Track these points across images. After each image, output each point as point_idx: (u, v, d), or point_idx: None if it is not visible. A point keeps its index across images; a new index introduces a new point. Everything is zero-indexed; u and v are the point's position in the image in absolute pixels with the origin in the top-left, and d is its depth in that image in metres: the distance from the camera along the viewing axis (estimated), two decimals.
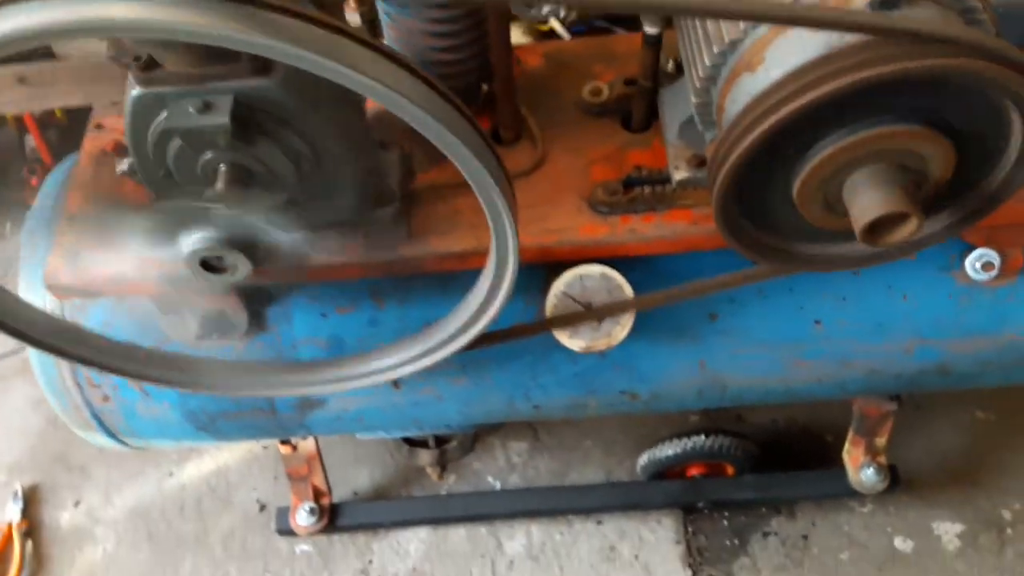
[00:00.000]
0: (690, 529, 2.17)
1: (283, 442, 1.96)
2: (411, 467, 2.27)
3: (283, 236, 1.28)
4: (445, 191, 1.40)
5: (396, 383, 1.55)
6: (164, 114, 1.09)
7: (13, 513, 2.27)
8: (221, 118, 1.06)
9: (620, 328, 1.42)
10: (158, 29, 0.86)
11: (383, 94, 0.93)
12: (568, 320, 1.41)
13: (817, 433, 2.28)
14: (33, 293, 1.50)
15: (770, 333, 1.53)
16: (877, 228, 1.07)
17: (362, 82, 0.92)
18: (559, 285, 1.39)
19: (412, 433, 2.06)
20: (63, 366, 1.56)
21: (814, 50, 1.00)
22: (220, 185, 1.11)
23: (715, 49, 1.14)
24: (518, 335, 1.43)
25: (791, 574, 2.10)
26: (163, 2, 0.84)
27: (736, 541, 2.15)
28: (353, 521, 2.15)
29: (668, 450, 2.07)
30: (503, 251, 1.15)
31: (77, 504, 2.31)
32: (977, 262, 1.44)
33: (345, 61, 0.90)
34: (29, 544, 2.24)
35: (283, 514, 2.11)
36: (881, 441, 1.95)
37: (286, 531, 2.11)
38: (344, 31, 0.92)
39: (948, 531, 2.12)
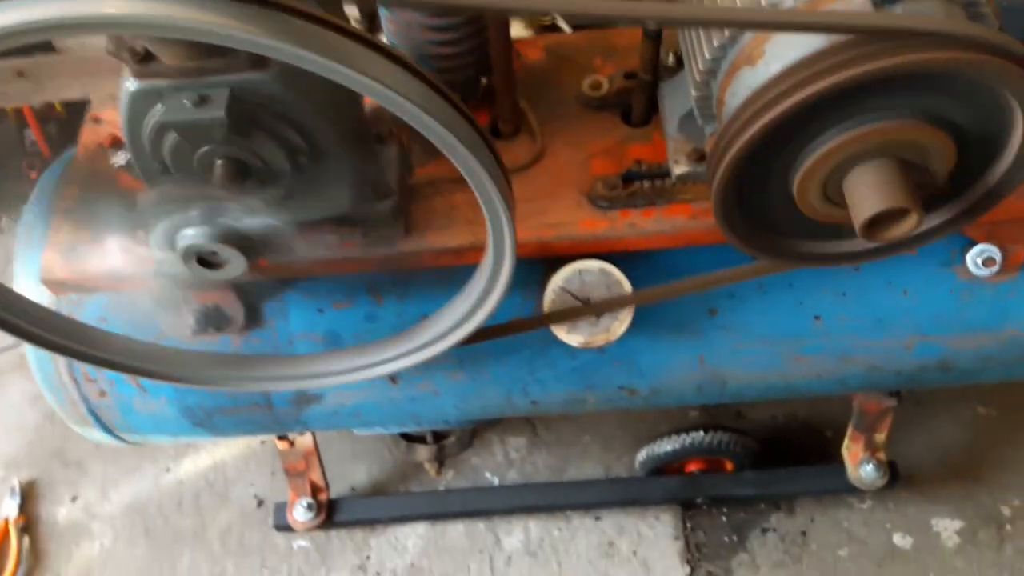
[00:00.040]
0: (689, 525, 2.16)
1: (280, 438, 1.96)
2: (409, 463, 2.26)
3: (279, 231, 1.27)
4: (443, 186, 1.39)
5: (393, 378, 1.54)
6: (160, 108, 1.09)
7: (10, 509, 2.26)
8: (217, 112, 1.06)
9: (619, 323, 1.42)
10: (151, 26, 0.85)
11: (378, 91, 0.92)
12: (566, 315, 1.40)
13: (817, 429, 2.28)
14: (29, 288, 1.49)
15: (770, 328, 1.52)
16: (877, 224, 1.06)
17: (356, 79, 0.91)
18: (557, 280, 1.39)
19: (410, 429, 2.06)
20: (59, 361, 1.55)
21: (814, 44, 1.00)
22: (216, 179, 1.11)
23: (715, 43, 1.13)
24: (515, 330, 1.42)
25: (790, 570, 2.09)
26: None
27: (735, 537, 2.15)
28: (351, 517, 2.14)
29: (667, 446, 2.06)
30: (500, 247, 1.14)
31: (74, 500, 2.31)
32: (978, 257, 1.43)
33: (340, 58, 0.89)
34: (26, 540, 2.24)
35: (280, 510, 2.10)
36: (881, 437, 1.95)
37: (283, 527, 2.10)
38: (338, 27, 0.91)
39: (947, 527, 2.12)
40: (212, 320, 1.48)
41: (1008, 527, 2.11)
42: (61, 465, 2.36)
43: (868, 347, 1.53)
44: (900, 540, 2.11)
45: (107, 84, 1.14)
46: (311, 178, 1.21)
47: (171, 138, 1.10)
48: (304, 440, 1.99)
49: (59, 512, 2.29)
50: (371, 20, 1.41)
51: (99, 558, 2.22)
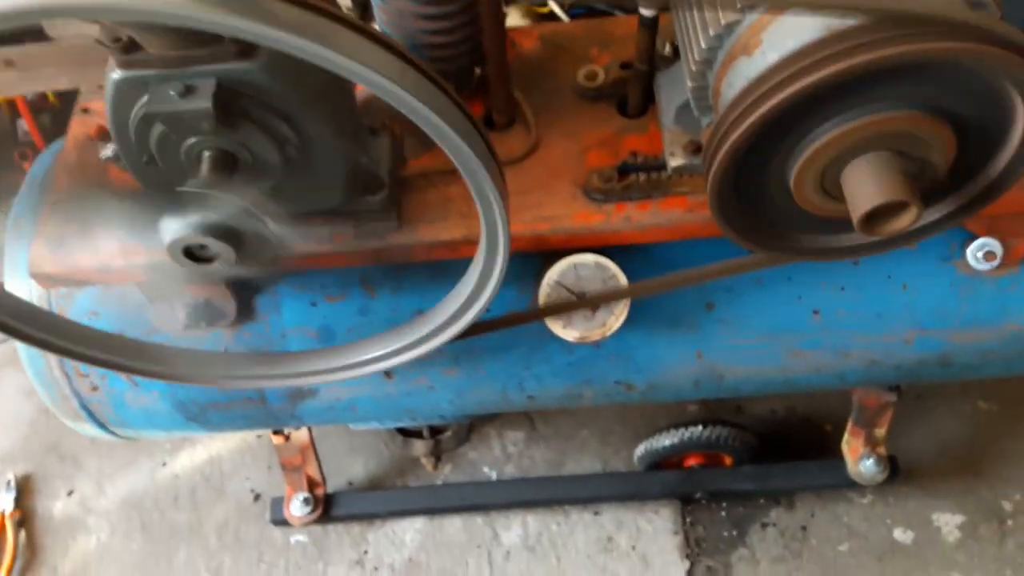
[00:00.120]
0: (688, 520, 2.15)
1: (276, 432, 1.95)
2: (406, 457, 2.25)
3: (269, 224, 1.26)
4: (436, 178, 1.37)
5: (388, 373, 1.53)
6: (145, 98, 1.07)
7: (6, 503, 2.26)
8: (203, 102, 1.04)
9: (615, 318, 1.40)
10: (140, 12, 0.84)
11: (370, 79, 0.91)
12: (561, 309, 1.38)
13: (817, 423, 2.26)
14: (18, 282, 1.47)
15: (768, 323, 1.50)
16: (876, 217, 1.05)
17: (348, 66, 0.89)
18: (552, 274, 1.37)
19: (406, 424, 2.04)
20: (50, 356, 1.54)
21: (812, 33, 0.98)
22: (204, 171, 1.09)
23: (711, 32, 1.11)
24: (509, 324, 1.40)
25: (790, 565, 2.08)
26: None
27: (734, 532, 2.13)
28: (348, 511, 2.13)
29: (666, 440, 2.05)
30: (494, 240, 1.12)
31: (70, 494, 2.30)
32: (979, 251, 1.42)
33: (328, 44, 0.88)
34: (22, 534, 2.23)
35: (277, 504, 2.09)
36: (881, 432, 1.93)
37: (280, 521, 2.10)
38: (330, 13, 0.89)
39: (948, 522, 2.11)
40: (204, 314, 1.46)
41: (1009, 522, 2.10)
42: (57, 459, 2.35)
43: (867, 342, 1.52)
44: (901, 535, 2.10)
45: (97, 74, 1.12)
46: (301, 170, 1.19)
47: (157, 129, 1.08)
48: (300, 435, 1.98)
49: (55, 506, 2.28)
50: (363, 8, 1.39)
51: (95, 552, 2.21)
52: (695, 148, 1.32)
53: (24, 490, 2.30)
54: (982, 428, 2.24)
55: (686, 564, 2.09)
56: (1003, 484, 2.15)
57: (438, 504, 2.19)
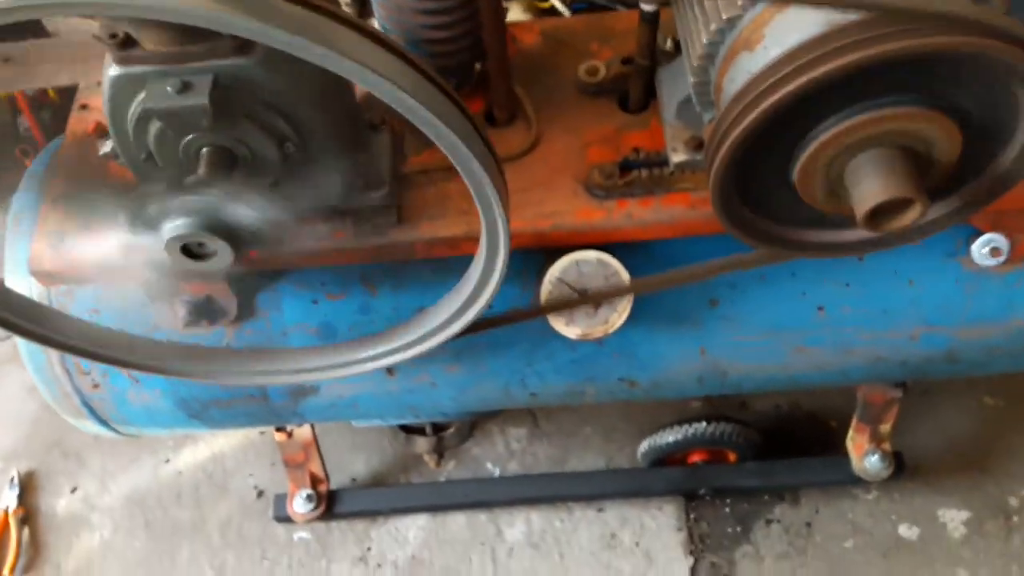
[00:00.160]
0: (692, 516, 2.14)
1: (278, 429, 1.94)
2: (409, 454, 2.24)
3: (268, 221, 1.25)
4: (437, 174, 1.36)
5: (390, 370, 1.52)
6: (143, 95, 1.06)
7: (9, 500, 2.25)
8: (200, 99, 1.03)
9: (617, 315, 1.39)
10: (127, 7, 0.83)
11: (364, 77, 0.90)
12: (563, 306, 1.38)
13: (821, 419, 2.25)
14: (18, 278, 1.47)
15: (772, 319, 1.49)
16: (880, 214, 1.04)
17: (342, 64, 0.88)
18: (554, 271, 1.36)
19: (408, 420, 2.04)
20: (51, 353, 1.53)
21: (814, 28, 0.97)
22: (202, 168, 1.08)
23: (713, 27, 1.10)
24: (511, 321, 1.39)
25: (794, 562, 2.07)
26: None
27: (738, 528, 2.13)
28: (351, 508, 2.13)
29: (669, 437, 2.04)
30: (494, 238, 1.11)
31: (74, 491, 2.30)
32: (984, 247, 1.41)
33: (327, 43, 0.87)
34: (26, 531, 2.23)
35: (280, 501, 2.09)
36: (886, 428, 1.92)
37: (283, 518, 2.09)
38: (327, 11, 0.89)
39: (954, 518, 2.10)
40: (205, 312, 1.46)
41: (1015, 518, 2.09)
42: (60, 456, 2.35)
43: (872, 338, 1.51)
44: (906, 531, 2.09)
45: (96, 70, 1.12)
46: (300, 167, 1.18)
47: (155, 126, 1.08)
48: (303, 432, 1.98)
49: (58, 503, 2.28)
50: (362, 4, 1.38)
51: (99, 549, 2.21)
52: (697, 144, 1.31)
53: (27, 487, 2.30)
54: (988, 424, 2.22)
55: (690, 560, 2.08)
56: (1009, 480, 2.14)
57: (441, 501, 2.18)
